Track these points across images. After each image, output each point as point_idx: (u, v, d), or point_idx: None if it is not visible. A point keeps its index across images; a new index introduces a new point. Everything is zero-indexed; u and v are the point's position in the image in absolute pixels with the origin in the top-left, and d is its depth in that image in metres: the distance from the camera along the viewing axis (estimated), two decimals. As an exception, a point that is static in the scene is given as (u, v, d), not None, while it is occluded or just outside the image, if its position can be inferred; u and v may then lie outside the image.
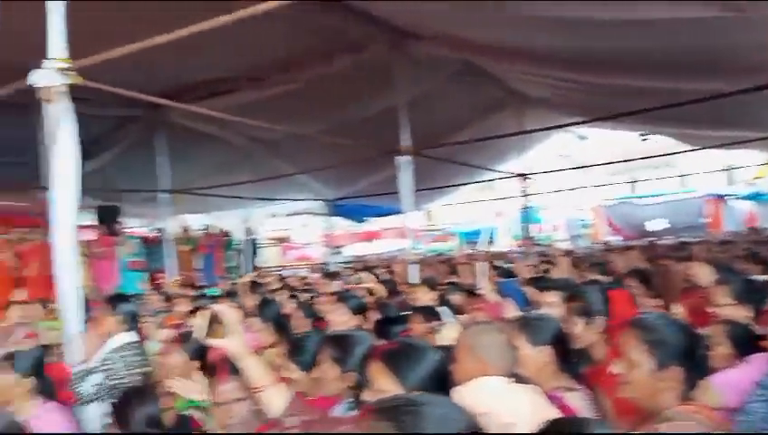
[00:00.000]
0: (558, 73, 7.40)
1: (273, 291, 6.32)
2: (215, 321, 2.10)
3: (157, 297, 6.19)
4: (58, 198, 3.59)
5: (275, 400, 2.00)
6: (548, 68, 7.21)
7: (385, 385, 1.74)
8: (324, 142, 8.70)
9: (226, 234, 12.05)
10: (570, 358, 2.39)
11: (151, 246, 9.63)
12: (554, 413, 1.78)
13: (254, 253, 12.91)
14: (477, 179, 12.71)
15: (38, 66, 3.67)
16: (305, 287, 7.40)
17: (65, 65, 3.65)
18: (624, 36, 5.48)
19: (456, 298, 4.90)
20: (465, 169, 11.05)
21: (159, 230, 9.56)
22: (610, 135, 16.81)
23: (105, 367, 3.13)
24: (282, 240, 17.30)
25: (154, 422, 2.41)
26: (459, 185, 12.65)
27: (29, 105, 6.02)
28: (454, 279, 6.48)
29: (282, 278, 8.66)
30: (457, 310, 4.58)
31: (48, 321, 5.32)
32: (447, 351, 2.04)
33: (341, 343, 2.20)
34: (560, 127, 11.11)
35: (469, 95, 9.52)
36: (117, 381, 3.10)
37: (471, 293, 4.84)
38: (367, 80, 7.76)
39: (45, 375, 2.87)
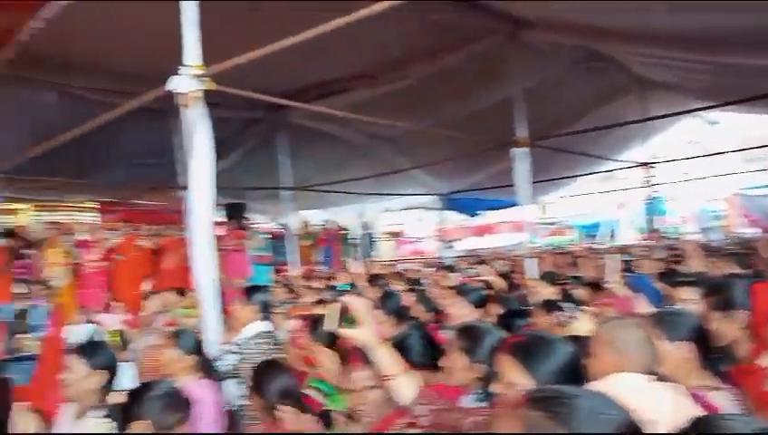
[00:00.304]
0: (685, 55, 6.95)
1: (385, 282, 6.43)
2: (344, 312, 2.17)
3: (282, 289, 6.49)
4: (195, 197, 3.83)
5: (405, 388, 2.04)
6: (674, 50, 6.78)
7: (515, 378, 1.73)
8: (438, 136, 8.72)
9: (343, 229, 12.41)
10: (711, 355, 2.26)
11: (275, 240, 10.11)
12: (698, 412, 1.69)
13: (370, 247, 13.19)
14: (597, 170, 12.21)
15: (172, 73, 3.94)
16: (420, 280, 7.46)
17: (200, 71, 3.88)
18: (757, 12, 5.05)
19: (579, 293, 4.76)
20: (584, 160, 10.65)
21: (282, 225, 10.01)
22: (744, 119, 15.51)
23: (241, 351, 3.35)
24: (396, 234, 17.51)
25: (287, 394, 2.57)
26: (577, 176, 12.21)
27: (165, 110, 6.54)
28: (575, 273, 6.29)
29: (400, 272, 8.78)
30: (581, 305, 4.45)
31: (183, 308, 5.74)
32: (579, 343, 1.99)
33: (471, 334, 2.22)
34: (687, 112, 10.42)
35: (589, 82, 9.15)
36: (251, 365, 3.30)
37: (596, 287, 4.68)
38: (481, 72, 7.68)
39: (204, 354, 3.12)
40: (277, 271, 9.58)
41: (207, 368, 3.08)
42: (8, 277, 6.22)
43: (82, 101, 6.83)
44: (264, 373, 2.61)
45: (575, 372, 1.77)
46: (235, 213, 9.72)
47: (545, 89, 8.32)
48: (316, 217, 12.32)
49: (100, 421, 2.39)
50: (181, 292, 6.29)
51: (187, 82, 3.83)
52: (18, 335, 5.74)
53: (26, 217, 8.81)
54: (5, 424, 1.46)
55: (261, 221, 11.79)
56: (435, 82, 7.65)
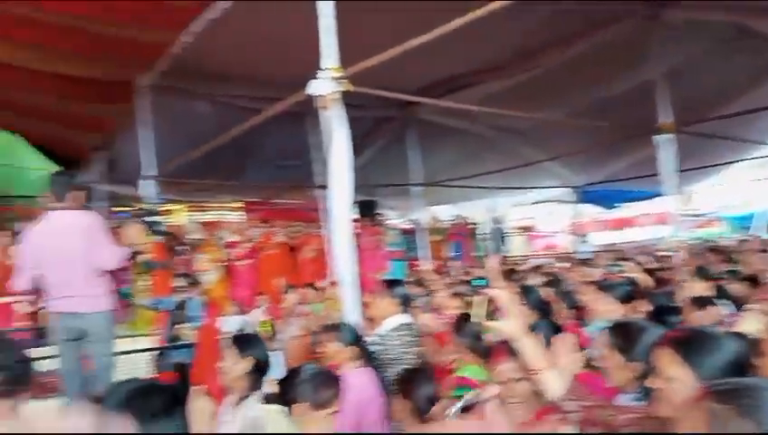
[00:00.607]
0: None
1: (521, 277, 6.29)
2: (490, 305, 2.16)
3: (415, 284, 6.57)
4: (335, 196, 3.98)
5: (553, 383, 2.00)
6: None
7: (675, 373, 1.65)
8: (571, 126, 8.42)
9: (474, 223, 12.33)
10: None
11: (405, 236, 10.25)
12: None
13: (501, 242, 13.01)
14: (751, 156, 11.18)
15: (309, 77, 4.10)
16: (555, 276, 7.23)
17: (338, 74, 4.03)
18: None
19: (734, 288, 4.41)
20: (736, 145, 9.79)
21: (413, 221, 10.13)
22: None
23: (383, 342, 3.44)
24: (527, 229, 17.12)
25: (432, 401, 2.62)
26: (728, 163, 11.25)
27: (302, 113, 6.83)
28: (728, 268, 5.82)
29: (536, 266, 8.58)
30: (737, 301, 4.12)
31: (321, 303, 6.00)
32: (744, 340, 1.86)
33: (626, 331, 2.12)
34: None
35: (739, 61, 8.40)
36: (392, 357, 3.38)
37: (754, 282, 4.31)
38: (618, 56, 7.32)
39: (362, 344, 3.24)
40: (410, 266, 9.70)
41: (367, 357, 3.19)
42: (169, 272, 6.82)
43: (229, 108, 7.33)
44: (413, 378, 2.68)
45: (742, 370, 1.65)
46: (367, 210, 9.96)
47: (690, 71, 7.77)
48: (445, 213, 12.34)
49: (272, 407, 2.54)
50: (315, 286, 6.59)
51: (326, 84, 3.98)
52: (177, 325, 6.27)
53: (181, 216, 9.62)
54: (185, 405, 1.61)
55: (391, 217, 12.00)
56: (567, 70, 7.39)
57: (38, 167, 9.94)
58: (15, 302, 6.46)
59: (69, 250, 3.90)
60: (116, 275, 4.12)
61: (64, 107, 7.71)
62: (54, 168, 9.51)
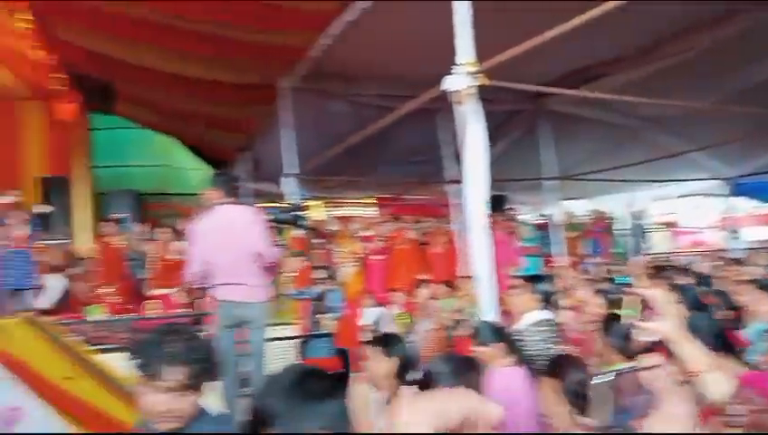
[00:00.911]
0: None
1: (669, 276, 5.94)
2: (644, 305, 2.07)
3: (551, 281, 6.40)
4: (470, 191, 4.00)
5: (715, 385, 1.89)
6: None
7: None
8: (722, 114, 7.78)
9: (611, 219, 11.77)
10: None
11: (539, 231, 9.99)
12: None
13: (642, 238, 12.31)
14: None
15: (441, 74, 4.12)
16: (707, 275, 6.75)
17: (474, 69, 4.03)
18: None
19: None
20: None
21: (546, 216, 9.87)
22: None
23: (522, 338, 3.41)
24: (670, 224, 16.01)
25: (582, 386, 2.54)
26: None
27: (431, 109, 6.89)
28: None
29: (685, 265, 8.06)
30: None
31: (453, 298, 6.03)
32: None
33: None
34: None
35: None
36: (532, 353, 3.34)
37: None
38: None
39: (508, 339, 3.23)
40: (546, 262, 9.44)
41: (515, 352, 3.14)
42: (309, 265, 7.16)
43: (363, 107, 7.56)
44: (567, 361, 2.62)
45: None
46: (498, 205, 9.80)
47: None
48: (580, 208, 11.89)
49: None
50: (449, 283, 6.62)
51: (462, 79, 4.00)
52: (318, 315, 6.59)
53: (319, 212, 10.05)
54: (345, 389, 1.70)
55: (522, 212, 11.73)
56: (718, 53, 6.83)
57: (192, 167, 10.88)
58: (174, 292, 7.07)
59: (235, 242, 4.17)
60: (269, 267, 4.37)
61: (214, 111, 8.33)
62: (205, 167, 10.34)
